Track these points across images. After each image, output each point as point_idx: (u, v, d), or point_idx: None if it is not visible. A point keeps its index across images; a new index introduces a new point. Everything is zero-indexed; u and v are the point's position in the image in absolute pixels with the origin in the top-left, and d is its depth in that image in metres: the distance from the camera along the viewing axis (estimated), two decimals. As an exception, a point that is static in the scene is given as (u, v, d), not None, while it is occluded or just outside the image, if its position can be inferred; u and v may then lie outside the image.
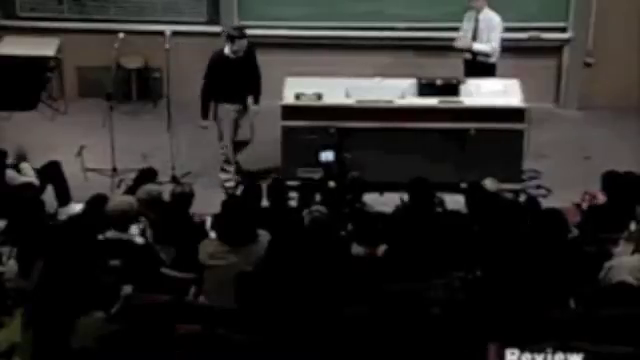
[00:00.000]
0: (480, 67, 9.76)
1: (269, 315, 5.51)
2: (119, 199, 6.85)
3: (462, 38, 9.83)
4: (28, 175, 8.45)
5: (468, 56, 9.85)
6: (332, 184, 8.75)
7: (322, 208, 6.96)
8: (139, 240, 6.76)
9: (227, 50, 9.22)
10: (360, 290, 5.91)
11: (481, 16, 9.73)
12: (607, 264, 6.38)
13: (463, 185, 8.39)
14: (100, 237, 6.65)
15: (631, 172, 7.98)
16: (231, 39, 9.22)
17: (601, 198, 7.85)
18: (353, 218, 7.54)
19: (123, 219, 6.60)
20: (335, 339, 5.30)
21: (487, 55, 9.72)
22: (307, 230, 6.71)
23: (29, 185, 8.35)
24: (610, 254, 6.63)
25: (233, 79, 9.21)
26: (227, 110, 9.32)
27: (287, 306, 5.55)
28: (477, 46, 9.73)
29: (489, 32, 9.71)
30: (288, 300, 5.60)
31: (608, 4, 10.68)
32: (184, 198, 7.50)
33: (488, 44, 9.70)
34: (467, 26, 9.84)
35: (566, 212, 7.22)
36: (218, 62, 9.22)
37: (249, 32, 10.89)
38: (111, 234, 6.54)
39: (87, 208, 7.37)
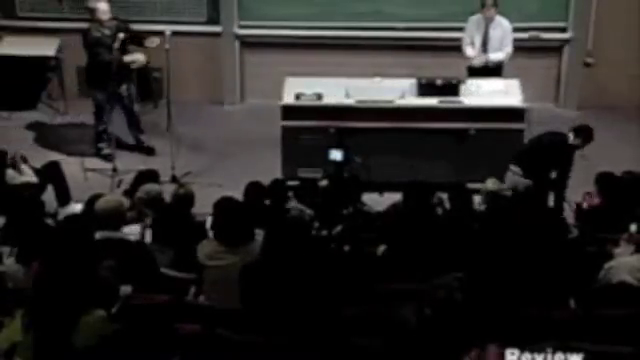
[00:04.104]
0: (488, 70, 9.77)
1: (269, 314, 5.52)
2: (106, 199, 6.80)
3: (477, 57, 9.76)
4: (27, 175, 8.45)
5: (477, 64, 9.82)
6: (324, 183, 8.76)
7: (301, 207, 6.95)
8: (132, 238, 6.74)
9: None
10: (353, 290, 5.91)
11: (493, 24, 9.71)
12: (607, 265, 6.38)
13: (471, 185, 8.39)
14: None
15: (630, 171, 7.98)
16: None
17: (596, 199, 7.87)
18: (351, 218, 7.54)
19: (113, 219, 6.56)
20: (330, 339, 5.30)
21: (502, 61, 9.74)
22: (283, 229, 6.68)
23: (29, 185, 8.35)
24: (610, 254, 6.64)
25: None
26: None
27: (278, 304, 5.57)
28: (493, 57, 9.72)
29: (503, 38, 9.69)
30: (278, 298, 5.62)
31: (608, 4, 10.69)
32: (186, 200, 7.48)
33: (503, 51, 9.69)
34: (477, 35, 9.78)
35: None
36: None
37: (249, 32, 10.94)
38: (100, 234, 6.49)
39: (86, 208, 7.37)
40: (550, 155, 8.68)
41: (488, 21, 9.71)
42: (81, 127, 10.50)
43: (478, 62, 9.77)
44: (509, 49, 9.72)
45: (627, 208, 7.26)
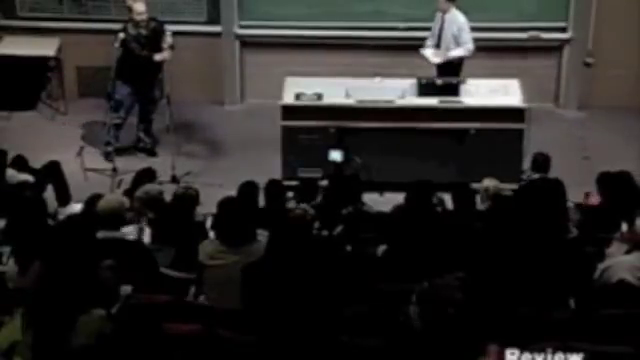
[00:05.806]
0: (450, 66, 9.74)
1: (270, 313, 5.52)
2: (108, 198, 6.82)
3: (436, 54, 9.71)
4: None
5: (438, 62, 9.72)
6: (324, 183, 8.75)
7: (306, 206, 6.94)
8: (131, 237, 6.75)
9: None
10: (354, 290, 5.91)
11: (447, 17, 9.67)
12: (602, 265, 6.36)
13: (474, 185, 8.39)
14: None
15: (624, 171, 7.95)
16: None
17: (595, 199, 7.86)
18: (351, 218, 7.54)
19: (114, 218, 6.57)
20: (330, 339, 5.31)
21: (462, 58, 9.69)
22: (286, 228, 6.67)
23: (30, 184, 8.34)
24: (603, 254, 6.63)
25: None
26: None
27: (278, 304, 5.57)
28: (452, 53, 9.66)
29: (459, 34, 9.63)
30: (278, 298, 5.62)
31: (608, 4, 10.70)
32: (188, 199, 7.47)
33: (463, 48, 9.63)
34: (435, 29, 9.77)
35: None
36: None
37: (249, 32, 10.95)
38: (103, 234, 6.50)
39: (86, 208, 7.37)
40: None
41: (442, 13, 9.66)
42: (82, 126, 10.52)
43: (438, 60, 9.71)
44: (469, 45, 9.62)
45: (627, 208, 7.24)
